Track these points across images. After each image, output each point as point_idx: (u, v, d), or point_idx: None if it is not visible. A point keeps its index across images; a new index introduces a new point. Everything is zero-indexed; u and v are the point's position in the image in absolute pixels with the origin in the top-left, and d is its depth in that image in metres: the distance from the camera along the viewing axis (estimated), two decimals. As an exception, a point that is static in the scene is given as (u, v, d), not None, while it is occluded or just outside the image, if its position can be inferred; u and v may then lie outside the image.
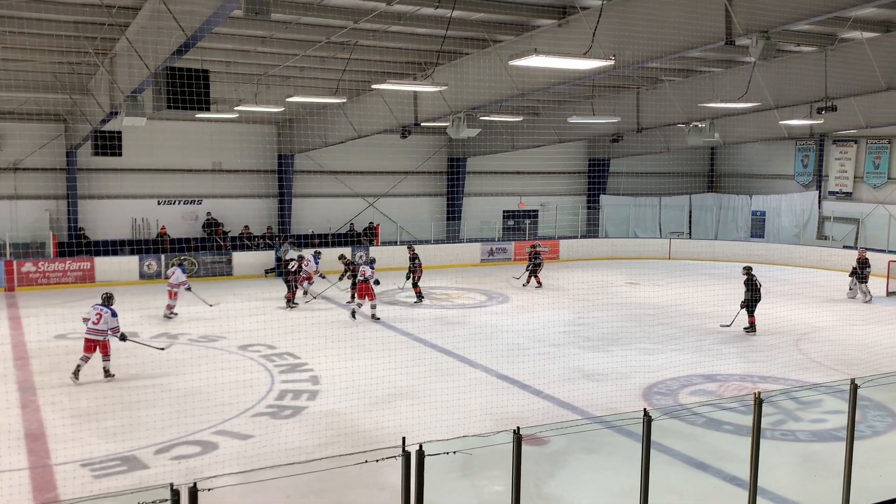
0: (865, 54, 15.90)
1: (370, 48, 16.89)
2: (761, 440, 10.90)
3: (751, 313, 17.84)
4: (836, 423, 11.49)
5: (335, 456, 8.35)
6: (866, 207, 30.93)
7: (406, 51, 17.13)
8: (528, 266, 24.73)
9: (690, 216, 34.47)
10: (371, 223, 29.91)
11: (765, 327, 18.20)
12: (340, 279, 21.90)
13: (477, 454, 7.68)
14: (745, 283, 17.89)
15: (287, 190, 28.33)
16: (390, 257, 25.96)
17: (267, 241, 27.45)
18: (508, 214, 32.94)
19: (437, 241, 29.79)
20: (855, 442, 10.39)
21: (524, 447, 10.19)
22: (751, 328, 17.86)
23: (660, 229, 33.87)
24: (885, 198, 30.38)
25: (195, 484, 4.64)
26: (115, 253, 24.71)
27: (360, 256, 24.77)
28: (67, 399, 12.47)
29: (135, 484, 8.97)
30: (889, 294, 23.37)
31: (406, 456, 5.33)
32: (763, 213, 33.29)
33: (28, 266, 23.16)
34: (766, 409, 11.93)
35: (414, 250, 22.24)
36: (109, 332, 13.52)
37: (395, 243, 27.98)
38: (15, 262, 22.99)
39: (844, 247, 30.10)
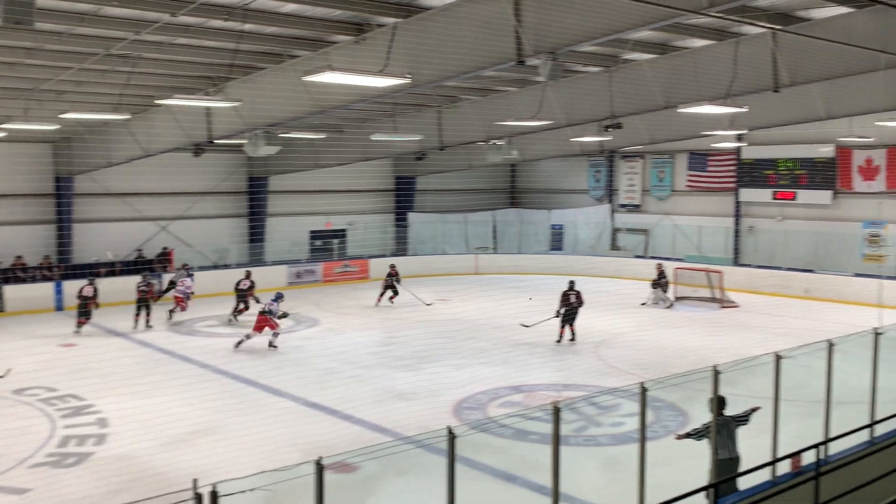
0: (646, 75, 17.30)
1: (155, 61, 16.14)
2: (566, 447, 11.47)
3: (562, 325, 18.90)
4: (634, 426, 12.24)
5: (124, 505, 7.81)
6: (653, 219, 33.62)
7: (195, 64, 16.54)
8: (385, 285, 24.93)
9: (495, 231, 35.76)
10: (165, 248, 28.46)
11: (565, 336, 19.20)
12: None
13: (283, 488, 7.47)
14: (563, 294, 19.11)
15: (66, 215, 26.33)
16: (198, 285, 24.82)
17: (44, 271, 25.35)
18: (316, 234, 32.59)
19: (239, 265, 28.86)
20: (649, 442, 11.16)
21: (334, 476, 10.04)
22: (565, 338, 18.97)
23: (467, 245, 34.86)
24: (669, 209, 33.17)
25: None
26: None
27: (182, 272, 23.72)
28: None
29: None
30: (677, 299, 25.46)
31: (198, 498, 5.07)
32: (561, 227, 35.25)
33: None
34: (568, 415, 12.61)
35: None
36: None
37: (191, 269, 26.73)
38: None
39: (636, 256, 32.54)
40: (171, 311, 21.88)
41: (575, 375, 15.96)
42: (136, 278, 21.81)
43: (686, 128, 22.70)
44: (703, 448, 8.64)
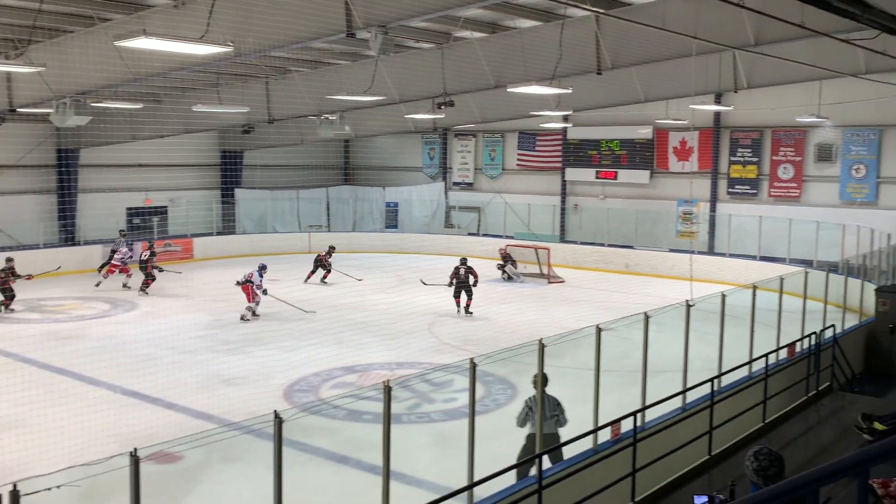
0: (477, 53, 17.62)
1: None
2: (399, 425, 11.60)
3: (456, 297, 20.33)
4: (466, 401, 12.58)
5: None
6: (486, 197, 34.49)
7: (-8, 24, 15.18)
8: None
9: (328, 209, 35.43)
10: (-42, 228, 26.07)
11: (400, 314, 19.37)
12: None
13: (99, 483, 7.08)
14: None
15: None
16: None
17: None
18: (133, 212, 30.88)
19: (46, 245, 26.90)
20: (481, 416, 11.47)
21: (155, 467, 9.63)
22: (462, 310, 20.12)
23: (298, 223, 34.29)
24: (500, 187, 34.14)
25: None
26: None
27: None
28: None
29: None
30: (506, 277, 26.29)
31: (-4, 500, 4.69)
32: (396, 204, 35.45)
33: None
34: (402, 393, 12.72)
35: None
36: None
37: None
38: None
39: (469, 234, 33.29)
40: (125, 284, 22.41)
41: (409, 354, 16.12)
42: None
43: (515, 107, 23.35)
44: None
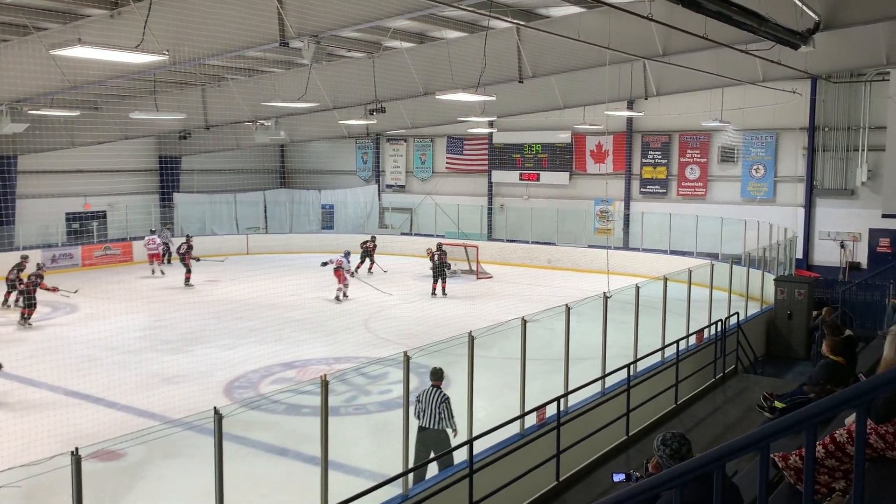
0: (406, 62, 17.58)
1: None
2: (337, 417, 11.51)
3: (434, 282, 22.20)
4: (400, 392, 12.57)
5: None
6: (417, 198, 34.48)
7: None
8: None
9: (266, 211, 34.92)
10: None
11: (337, 311, 19.21)
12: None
13: (41, 482, 6.84)
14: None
15: None
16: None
17: None
18: (73, 217, 29.84)
19: (-16, 251, 25.79)
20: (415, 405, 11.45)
21: (98, 464, 9.34)
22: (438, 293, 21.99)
23: (237, 225, 33.69)
24: (431, 189, 34.17)
25: None
26: None
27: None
28: None
29: None
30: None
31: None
32: (332, 206, 35.15)
33: None
34: (339, 387, 12.65)
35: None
36: None
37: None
38: None
39: (402, 234, 33.22)
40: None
41: (346, 348, 16.00)
42: None
43: (443, 113, 23.39)
44: (461, 411, 8.94)
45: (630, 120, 28.04)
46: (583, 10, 14.34)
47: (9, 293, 20.52)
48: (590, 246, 28.07)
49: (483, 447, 8.27)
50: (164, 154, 32.13)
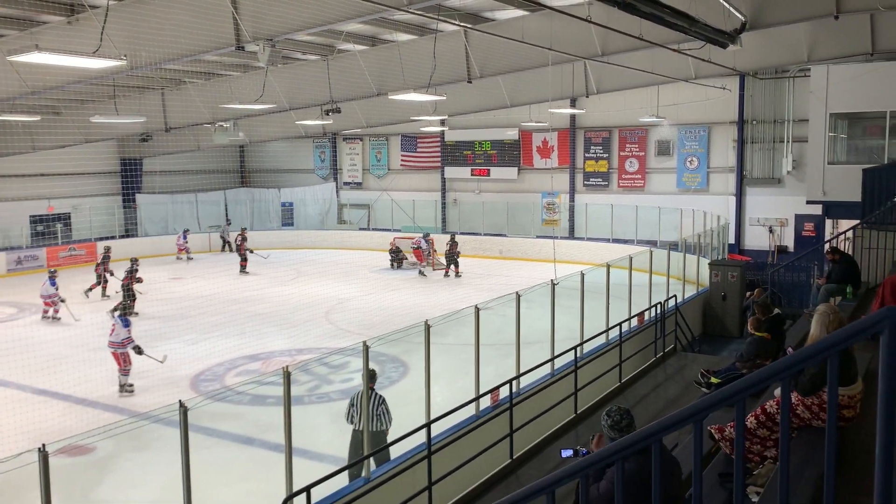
0: (359, 64, 17.44)
1: None
2: (300, 406, 11.42)
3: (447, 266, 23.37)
4: (360, 380, 12.54)
5: None
6: (374, 194, 34.31)
7: None
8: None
9: (227, 210, 34.40)
10: None
11: (299, 304, 19.03)
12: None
13: (10, 478, 6.65)
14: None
15: None
16: None
17: None
18: (37, 219, 29.00)
19: (-52, 255, 24.94)
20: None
21: (67, 460, 9.12)
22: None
23: (199, 224, 33.13)
24: (387, 185, 34.03)
25: None
26: None
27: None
28: None
29: None
30: (394, 266, 26.26)
31: None
32: (291, 204, 34.77)
33: None
34: (302, 377, 12.55)
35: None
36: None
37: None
38: None
39: (360, 229, 33.05)
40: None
41: (308, 340, 15.88)
42: None
43: (397, 113, 23.28)
44: (420, 396, 8.93)
45: (573, 117, 28.29)
46: (526, 13, 14.38)
47: (96, 284, 21.21)
48: (538, 236, 28.29)
49: (441, 429, 8.28)
50: (126, 156, 31.43)
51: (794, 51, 16.90)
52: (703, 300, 17.15)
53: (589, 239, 27.17)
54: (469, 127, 30.56)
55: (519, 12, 14.61)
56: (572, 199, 29.29)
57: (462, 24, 12.92)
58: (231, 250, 28.13)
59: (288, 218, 34.55)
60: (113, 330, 12.66)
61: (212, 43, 11.38)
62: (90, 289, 21.11)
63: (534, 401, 9.60)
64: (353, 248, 29.82)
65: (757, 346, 8.59)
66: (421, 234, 24.46)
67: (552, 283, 10.83)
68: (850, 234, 13.55)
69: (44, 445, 5.14)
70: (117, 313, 12.93)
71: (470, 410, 8.87)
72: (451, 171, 32.21)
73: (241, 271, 25.12)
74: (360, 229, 33.01)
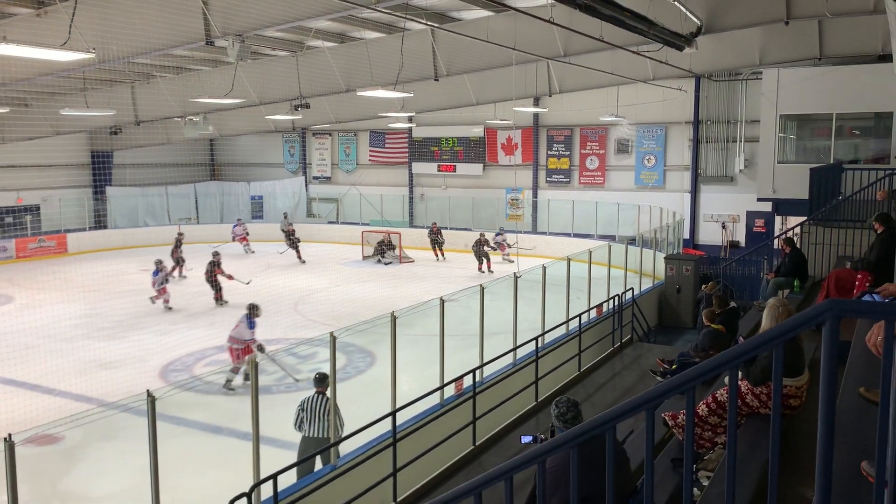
0: (328, 61, 17.29)
1: None
2: (269, 395, 11.32)
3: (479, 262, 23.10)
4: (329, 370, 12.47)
5: None
6: (343, 189, 34.08)
7: None
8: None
9: (197, 203, 33.90)
10: None
11: (267, 296, 18.80)
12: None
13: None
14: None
15: None
16: None
17: None
18: (6, 210, 28.27)
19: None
20: (344, 382, 11.39)
21: (35, 449, 8.92)
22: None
23: (168, 217, 32.60)
24: (355, 180, 33.84)
25: None
26: None
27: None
28: None
29: None
30: (365, 258, 26.15)
31: None
32: (261, 197, 34.39)
33: None
34: (271, 367, 12.43)
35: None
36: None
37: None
38: None
39: (329, 222, 32.82)
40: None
41: (277, 331, 15.72)
42: None
43: (365, 109, 23.13)
44: (387, 385, 8.90)
45: (536, 115, 28.40)
46: (491, 13, 14.38)
47: (175, 268, 21.47)
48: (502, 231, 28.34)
49: (406, 417, 8.28)
50: (96, 149, 30.81)
51: (746, 54, 17.16)
52: (659, 293, 17.37)
53: (551, 233, 27.33)
54: (436, 124, 30.50)
55: (484, 13, 14.60)
56: (535, 195, 29.42)
57: (429, 23, 12.86)
58: (291, 245, 26.45)
59: (258, 211, 34.17)
60: (237, 325, 12.28)
61: (181, 37, 11.17)
62: (171, 272, 20.77)
63: (496, 389, 9.63)
64: (321, 241, 29.60)
65: (711, 337, 8.72)
66: (498, 231, 24.51)
67: (515, 277, 10.87)
68: (797, 230, 13.82)
69: (10, 435, 5.02)
70: (245, 313, 12.57)
71: (435, 399, 8.88)
72: (418, 167, 32.14)
73: (301, 261, 25.09)
74: (329, 223, 32.79)
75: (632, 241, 18.22)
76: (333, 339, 7.65)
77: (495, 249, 24.54)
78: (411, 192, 32.41)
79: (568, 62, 15.61)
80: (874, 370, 3.02)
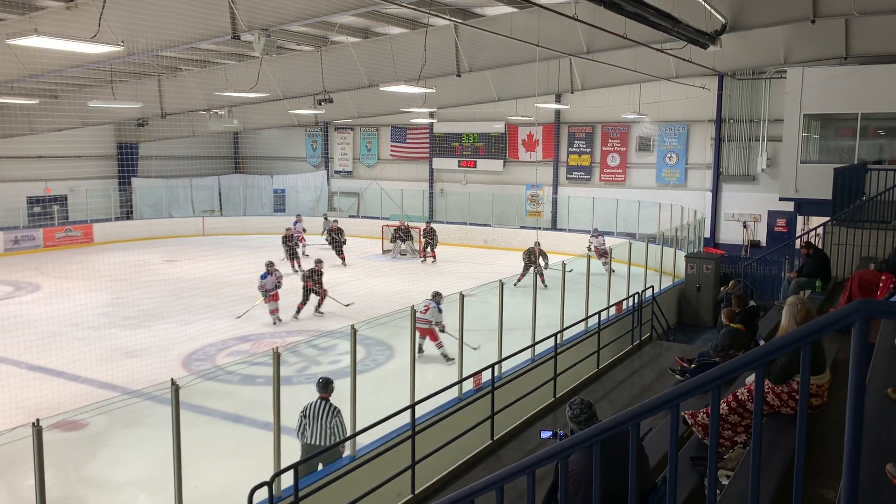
0: (352, 56, 17.31)
1: None
2: (289, 386, 11.38)
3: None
4: (349, 362, 12.50)
5: None
6: (364, 183, 34.16)
7: None
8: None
9: (220, 195, 34.16)
10: None
11: (289, 288, 18.89)
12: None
13: (4, 452, 6.59)
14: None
15: None
16: None
17: None
18: (34, 200, 28.68)
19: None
20: (364, 374, 11.44)
21: (61, 434, 9.05)
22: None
23: (193, 208, 32.89)
24: (376, 175, 33.90)
25: None
26: None
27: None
28: None
29: None
30: (384, 252, 26.21)
31: None
32: (283, 191, 34.57)
33: None
34: (291, 358, 12.50)
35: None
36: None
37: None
38: None
39: (350, 216, 32.88)
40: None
41: (298, 323, 15.82)
42: None
43: (387, 104, 23.15)
44: (405, 378, 8.91)
45: (558, 112, 28.25)
46: (515, 9, 14.30)
47: (292, 259, 22.09)
48: (521, 227, 28.28)
49: (424, 411, 8.29)
50: (123, 140, 31.14)
51: (771, 53, 16.94)
52: (679, 291, 17.24)
53: (571, 230, 27.20)
54: (457, 119, 30.45)
55: (508, 9, 14.52)
56: (555, 192, 29.30)
57: (452, 18, 12.83)
58: (330, 242, 24.85)
59: (280, 204, 34.36)
60: (427, 309, 12.46)
61: (208, 31, 11.23)
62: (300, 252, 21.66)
63: (515, 385, 9.62)
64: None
65: (731, 336, 8.63)
66: (594, 231, 23.25)
67: (534, 272, 10.84)
68: (820, 230, 13.64)
69: (38, 420, 5.09)
70: (429, 297, 12.81)
71: (453, 392, 8.89)
72: (438, 162, 32.12)
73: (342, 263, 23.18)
74: (350, 217, 32.87)
75: (652, 239, 18.09)
76: (354, 331, 7.69)
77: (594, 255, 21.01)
78: (431, 187, 32.41)
79: (591, 59, 15.50)
80: (901, 372, 2.97)
